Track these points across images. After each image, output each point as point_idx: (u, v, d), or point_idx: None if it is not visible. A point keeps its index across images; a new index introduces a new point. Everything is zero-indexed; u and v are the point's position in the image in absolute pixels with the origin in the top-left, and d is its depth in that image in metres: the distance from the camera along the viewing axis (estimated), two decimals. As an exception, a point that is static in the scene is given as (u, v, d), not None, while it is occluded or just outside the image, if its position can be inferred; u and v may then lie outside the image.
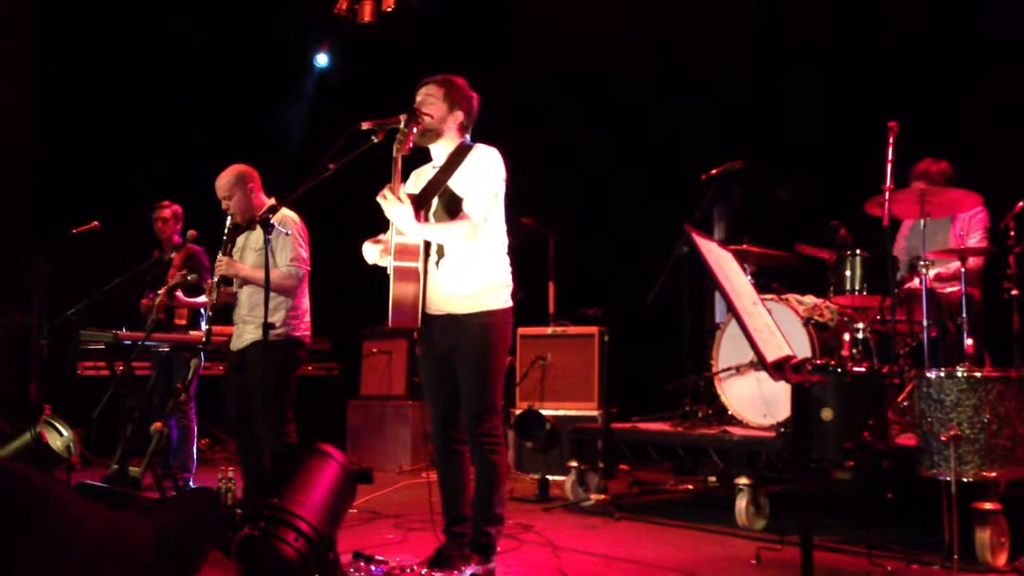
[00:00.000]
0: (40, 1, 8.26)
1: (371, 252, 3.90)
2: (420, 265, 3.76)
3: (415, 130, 3.73)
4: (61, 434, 4.78)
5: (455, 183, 3.83)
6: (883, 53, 6.60)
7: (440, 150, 3.92)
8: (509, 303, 3.88)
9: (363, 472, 4.41)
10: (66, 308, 5.81)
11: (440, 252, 3.81)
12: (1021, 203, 4.61)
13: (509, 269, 3.92)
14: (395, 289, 3.74)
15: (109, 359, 6.16)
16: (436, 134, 3.88)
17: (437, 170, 3.90)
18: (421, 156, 3.98)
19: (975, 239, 5.31)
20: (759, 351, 2.61)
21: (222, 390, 4.98)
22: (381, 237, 3.92)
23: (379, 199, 3.73)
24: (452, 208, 3.81)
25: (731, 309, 2.69)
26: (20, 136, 8.03)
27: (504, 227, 3.91)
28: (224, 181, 4.87)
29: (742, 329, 2.63)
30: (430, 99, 3.87)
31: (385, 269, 3.83)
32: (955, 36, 6.27)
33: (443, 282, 3.79)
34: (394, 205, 3.68)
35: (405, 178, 3.90)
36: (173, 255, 6.02)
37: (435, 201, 3.86)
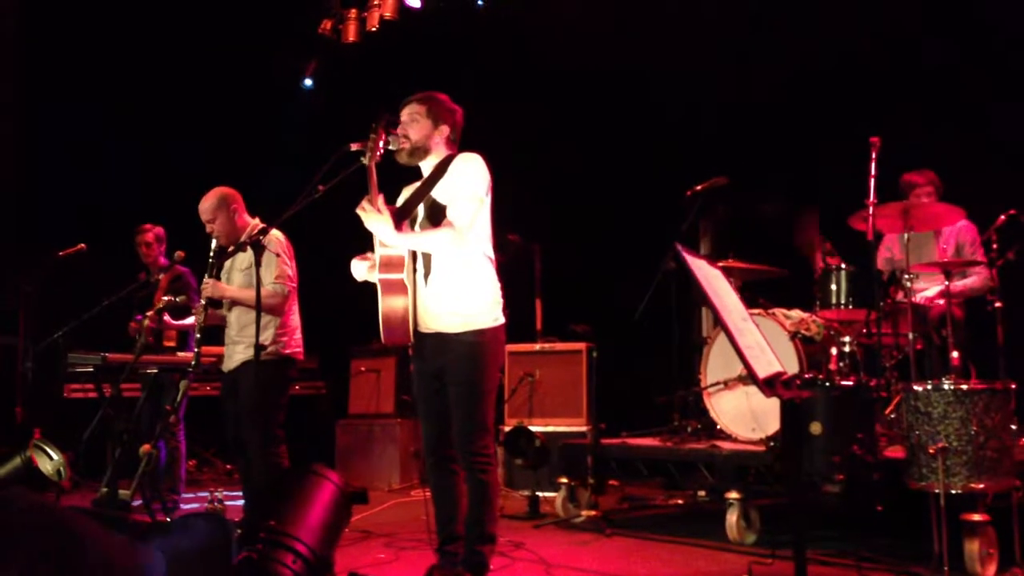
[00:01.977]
0: (24, 22, 8.24)
1: (359, 269, 3.90)
2: (406, 277, 3.76)
3: (385, 137, 3.74)
4: (51, 458, 4.75)
5: (439, 192, 3.83)
6: (866, 67, 6.67)
7: (429, 165, 3.93)
8: (500, 320, 3.87)
9: (358, 493, 4.41)
10: (53, 331, 5.79)
11: (427, 268, 3.80)
12: (1003, 216, 4.67)
13: (498, 284, 3.91)
14: (383, 304, 3.74)
15: (97, 381, 6.13)
16: (425, 151, 3.90)
17: (421, 182, 3.92)
18: (412, 173, 4.00)
19: (971, 252, 5.33)
20: (751, 368, 2.64)
21: (214, 412, 4.96)
22: (368, 254, 3.93)
23: (358, 211, 3.74)
24: (436, 218, 3.80)
25: (722, 326, 2.72)
26: (4, 157, 8.00)
27: (490, 239, 3.89)
28: (207, 204, 4.88)
29: (733, 346, 2.66)
30: (414, 117, 3.89)
31: (374, 286, 3.84)
32: (937, 52, 6.35)
33: (432, 299, 3.79)
34: (373, 216, 3.69)
35: (396, 193, 3.93)
36: (160, 276, 6.01)
37: (419, 211, 3.87)
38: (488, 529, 3.80)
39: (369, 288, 3.89)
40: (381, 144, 3.73)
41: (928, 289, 5.25)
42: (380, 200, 3.73)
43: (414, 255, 3.82)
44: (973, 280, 5.23)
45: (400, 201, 3.95)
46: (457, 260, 3.78)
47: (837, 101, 6.69)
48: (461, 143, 4.03)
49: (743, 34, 7.04)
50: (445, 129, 3.92)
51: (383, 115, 3.79)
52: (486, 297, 3.83)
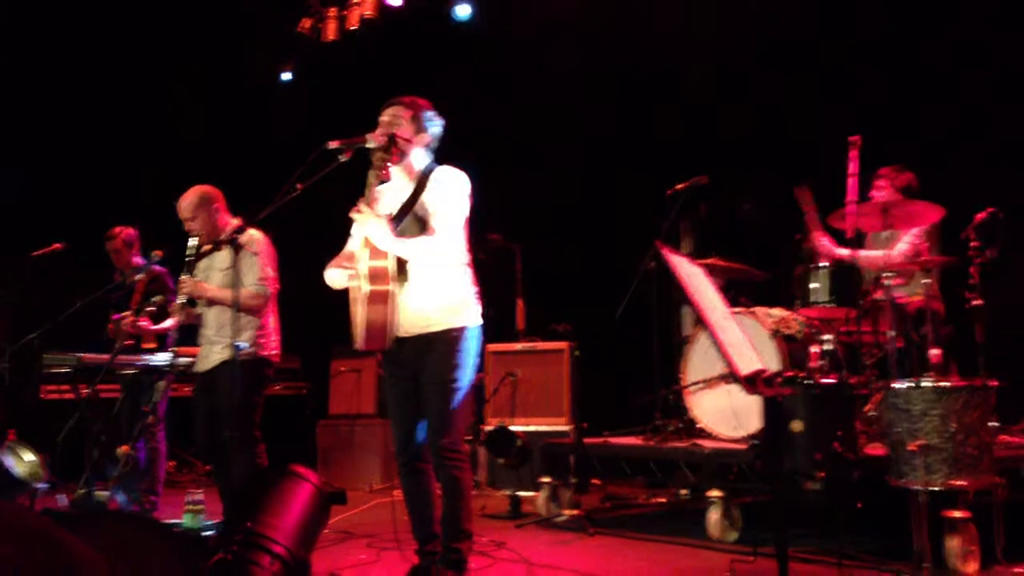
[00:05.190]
0: (2, 22, 8.16)
1: (338, 277, 3.89)
2: (392, 288, 3.75)
3: (395, 158, 3.75)
4: (25, 459, 4.70)
5: (423, 204, 3.85)
6: (846, 64, 6.70)
7: (404, 170, 3.92)
8: (477, 321, 3.90)
9: (337, 494, 4.38)
10: (28, 332, 5.72)
11: (405, 275, 3.80)
12: (983, 214, 4.68)
13: (475, 288, 3.94)
14: (368, 312, 3.73)
15: (74, 382, 6.07)
16: (401, 154, 3.88)
17: (409, 193, 3.90)
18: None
19: (906, 239, 5.36)
20: (733, 365, 2.63)
21: (191, 413, 4.92)
22: (345, 264, 3.90)
23: (353, 215, 3.73)
24: (419, 226, 3.83)
25: (704, 324, 2.71)
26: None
27: (466, 247, 3.93)
28: (187, 202, 4.83)
29: (715, 344, 2.65)
30: (396, 120, 3.89)
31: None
32: (916, 48, 6.38)
33: (410, 304, 3.80)
34: (371, 219, 3.69)
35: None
36: (137, 278, 5.94)
37: (405, 222, 3.86)
38: (463, 525, 3.81)
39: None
40: (389, 167, 3.76)
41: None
42: (377, 205, 3.74)
43: (396, 262, 3.81)
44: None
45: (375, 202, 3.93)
46: (435, 267, 3.81)
47: (820, 98, 6.71)
48: (444, 141, 4.01)
49: (725, 31, 7.04)
50: (426, 137, 3.94)
51: (394, 138, 3.78)
52: (462, 299, 3.87)
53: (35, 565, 1.95)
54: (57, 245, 6.27)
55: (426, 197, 3.85)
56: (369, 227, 3.72)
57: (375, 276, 3.74)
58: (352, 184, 3.82)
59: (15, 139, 8.15)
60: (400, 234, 3.81)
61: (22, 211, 7.95)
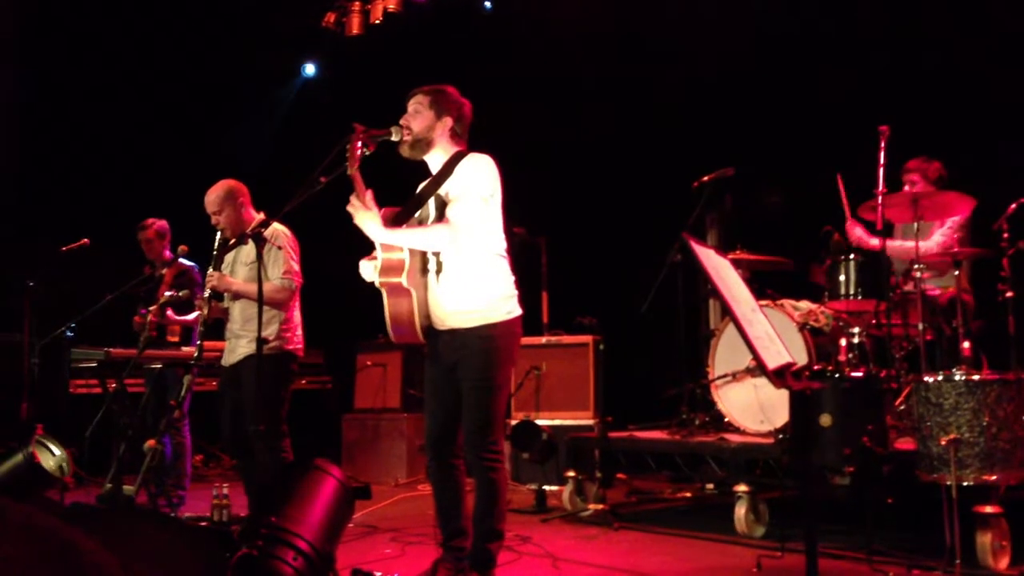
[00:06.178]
0: (20, 21, 8.21)
1: (367, 270, 3.85)
2: (404, 280, 3.70)
3: (360, 146, 3.66)
4: (54, 454, 4.73)
5: (446, 190, 3.78)
6: (874, 55, 6.62)
7: (435, 160, 3.86)
8: (515, 313, 3.80)
9: (361, 488, 4.37)
10: (57, 326, 5.76)
11: (439, 266, 3.74)
12: (1014, 205, 4.61)
13: (512, 278, 3.84)
14: (390, 307, 3.72)
15: (101, 377, 6.11)
16: (427, 144, 3.82)
17: (429, 179, 3.86)
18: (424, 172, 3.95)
19: (943, 231, 5.29)
20: (760, 359, 2.60)
21: (217, 407, 4.93)
22: (376, 254, 3.88)
23: (348, 209, 3.70)
24: (444, 215, 3.76)
25: (731, 317, 2.67)
26: (5, 153, 7.98)
27: (502, 235, 3.82)
28: (213, 196, 4.85)
29: (743, 337, 2.62)
30: (418, 109, 3.83)
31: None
32: (946, 39, 6.29)
33: (445, 297, 3.73)
34: (362, 212, 3.65)
35: (388, 189, 3.87)
36: (164, 271, 5.97)
37: (431, 210, 3.81)
38: (496, 526, 3.75)
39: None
40: (358, 153, 3.67)
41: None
42: (368, 197, 3.68)
43: (424, 254, 3.78)
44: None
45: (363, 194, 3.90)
46: (468, 258, 3.72)
47: (847, 88, 6.63)
48: (470, 139, 3.96)
49: (748, 24, 6.98)
50: (448, 121, 3.83)
51: (356, 129, 3.71)
52: (498, 292, 3.76)
53: (45, 566, 1.95)
54: (84, 240, 6.30)
55: (449, 184, 3.77)
56: (360, 219, 3.67)
57: (386, 269, 3.70)
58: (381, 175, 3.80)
59: (44, 135, 8.21)
60: (420, 222, 3.78)
61: (51, 206, 8.00)
